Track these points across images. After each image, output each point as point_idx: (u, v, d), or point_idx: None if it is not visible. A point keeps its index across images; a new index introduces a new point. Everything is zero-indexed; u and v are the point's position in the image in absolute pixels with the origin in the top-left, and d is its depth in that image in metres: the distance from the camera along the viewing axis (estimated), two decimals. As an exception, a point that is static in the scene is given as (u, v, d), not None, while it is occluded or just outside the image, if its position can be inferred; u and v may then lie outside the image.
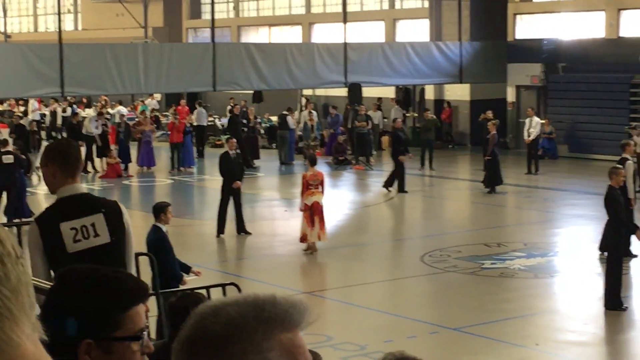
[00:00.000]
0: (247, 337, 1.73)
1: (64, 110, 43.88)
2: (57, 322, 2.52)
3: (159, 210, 12.86)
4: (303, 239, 19.22)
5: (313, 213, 19.00)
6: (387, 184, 27.46)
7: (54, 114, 43.71)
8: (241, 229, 21.18)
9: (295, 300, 1.82)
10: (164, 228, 12.68)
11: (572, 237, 21.01)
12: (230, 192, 20.89)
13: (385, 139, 36.61)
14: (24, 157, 24.89)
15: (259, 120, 38.25)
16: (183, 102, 39.53)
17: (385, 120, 36.90)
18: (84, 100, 47.66)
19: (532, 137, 30.75)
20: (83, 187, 6.19)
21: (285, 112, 35.38)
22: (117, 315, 2.52)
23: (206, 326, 1.75)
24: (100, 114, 35.90)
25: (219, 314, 1.75)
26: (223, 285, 9.39)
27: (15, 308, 1.52)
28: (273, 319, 1.76)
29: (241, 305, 1.76)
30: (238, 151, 22.46)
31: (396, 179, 27.30)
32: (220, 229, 21.02)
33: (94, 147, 32.65)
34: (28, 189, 24.99)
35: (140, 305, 2.57)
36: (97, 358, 2.50)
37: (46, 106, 45.31)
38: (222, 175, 21.12)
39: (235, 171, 20.94)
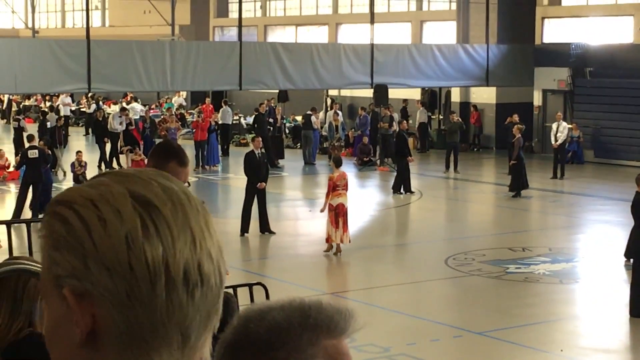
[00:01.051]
0: (292, 342, 1.70)
1: (89, 107, 44.12)
2: None
3: None
4: (329, 239, 19.20)
5: (338, 214, 18.97)
6: (397, 188, 27.30)
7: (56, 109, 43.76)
8: (265, 228, 21.16)
9: (341, 306, 1.79)
10: None
11: (598, 243, 20.88)
12: (255, 192, 20.87)
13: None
14: (49, 152, 24.99)
15: (284, 120, 38.28)
16: (208, 100, 39.58)
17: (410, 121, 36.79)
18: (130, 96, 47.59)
19: (559, 142, 30.57)
20: None
21: (309, 112, 35.38)
22: None
23: (250, 330, 1.72)
24: (123, 109, 36.03)
25: (264, 318, 1.73)
26: (250, 285, 9.37)
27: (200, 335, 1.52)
28: (319, 325, 1.73)
29: (286, 310, 1.74)
30: (263, 150, 22.44)
31: (401, 180, 27.20)
32: (245, 228, 21.01)
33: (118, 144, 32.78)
34: (54, 184, 25.08)
35: None
36: None
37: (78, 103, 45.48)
38: (247, 174, 21.11)
39: (260, 171, 20.92)
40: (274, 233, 21.13)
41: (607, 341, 14.07)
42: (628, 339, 14.58)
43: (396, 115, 36.31)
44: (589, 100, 34.80)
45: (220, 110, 36.92)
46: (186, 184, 5.51)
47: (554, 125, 31.12)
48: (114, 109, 42.23)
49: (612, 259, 18.87)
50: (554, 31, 37.92)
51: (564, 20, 37.80)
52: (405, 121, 30.18)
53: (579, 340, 14.19)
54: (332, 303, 1.77)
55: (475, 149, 38.29)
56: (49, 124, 32.69)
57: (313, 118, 35.10)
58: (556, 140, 30.63)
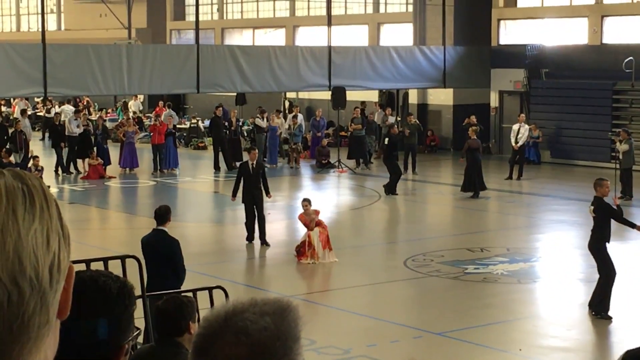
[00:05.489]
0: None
1: (48, 111, 43.74)
2: (89, 324, 2.46)
3: (167, 213, 12.54)
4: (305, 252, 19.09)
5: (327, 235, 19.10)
6: (390, 190, 27.40)
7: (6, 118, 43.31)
8: (262, 237, 20.60)
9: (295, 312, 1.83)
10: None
11: (555, 243, 21.05)
12: (252, 202, 20.42)
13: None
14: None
15: (239, 122, 38.25)
16: (161, 103, 39.43)
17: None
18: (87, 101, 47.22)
19: (520, 143, 30.75)
20: None
21: (258, 116, 35.45)
22: None
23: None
24: (77, 111, 35.75)
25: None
26: (210, 289, 9.37)
27: None
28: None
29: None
30: (257, 161, 21.77)
31: (394, 182, 27.42)
32: (251, 236, 20.58)
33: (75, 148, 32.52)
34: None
35: None
36: None
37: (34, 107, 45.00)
38: (237, 184, 20.80)
39: (252, 180, 20.45)
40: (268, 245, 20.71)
41: (566, 340, 14.19)
42: (586, 338, 14.71)
43: (391, 118, 36.29)
44: (545, 101, 35.07)
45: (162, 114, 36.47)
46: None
47: (515, 127, 31.25)
48: (66, 112, 41.79)
49: (569, 259, 19.02)
50: (509, 33, 38.18)
51: (519, 22, 38.06)
52: (395, 126, 30.44)
53: (538, 339, 14.29)
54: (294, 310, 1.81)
55: (433, 150, 38.46)
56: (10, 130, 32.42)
57: (258, 120, 35.22)
58: (517, 142, 30.78)
